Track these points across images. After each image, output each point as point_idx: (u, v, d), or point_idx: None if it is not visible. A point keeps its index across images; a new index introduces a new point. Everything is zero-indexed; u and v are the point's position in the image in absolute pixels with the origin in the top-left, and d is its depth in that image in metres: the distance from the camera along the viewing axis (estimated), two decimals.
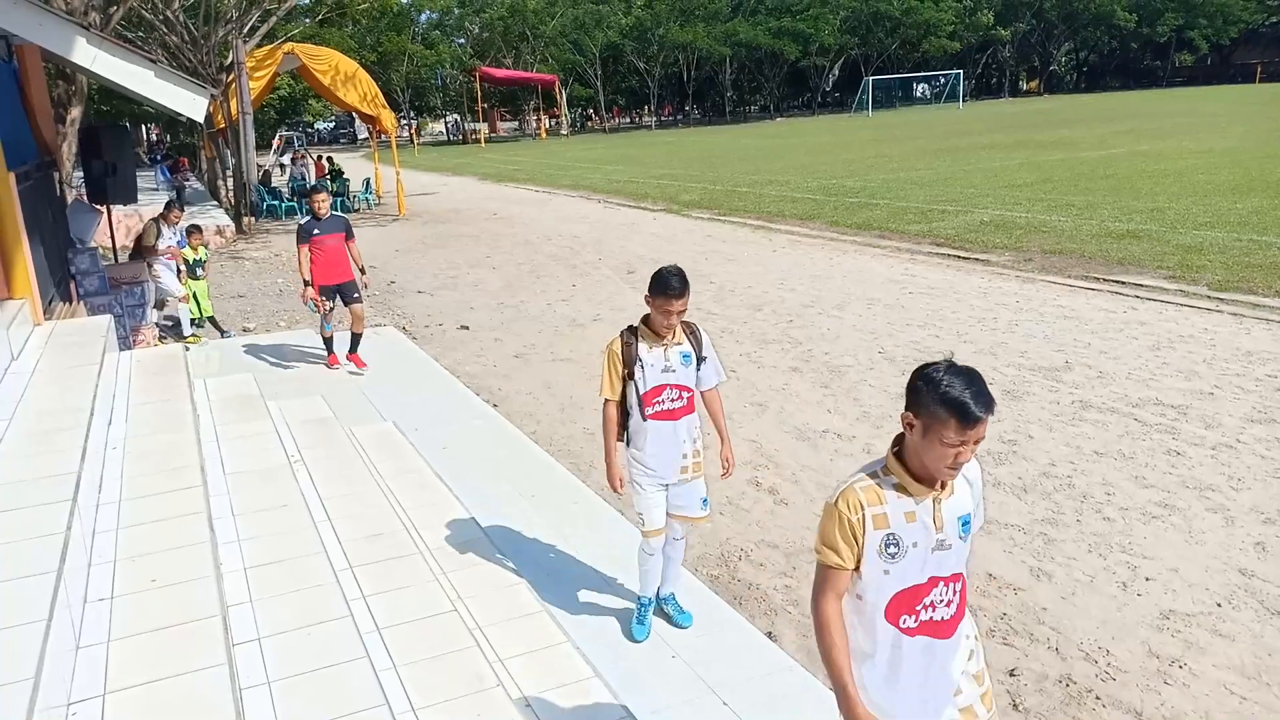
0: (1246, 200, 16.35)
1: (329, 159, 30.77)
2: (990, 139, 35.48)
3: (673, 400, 4.01)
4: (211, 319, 11.00)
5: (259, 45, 23.45)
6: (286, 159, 37.97)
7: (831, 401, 7.84)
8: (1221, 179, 19.42)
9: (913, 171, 25.59)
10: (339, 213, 11.55)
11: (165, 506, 5.08)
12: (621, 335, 4.02)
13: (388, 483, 5.76)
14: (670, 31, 73.99)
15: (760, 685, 3.80)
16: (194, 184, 32.74)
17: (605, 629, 4.24)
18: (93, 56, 7.41)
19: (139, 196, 11.40)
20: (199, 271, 10.76)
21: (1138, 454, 6.38)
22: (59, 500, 4.04)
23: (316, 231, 8.50)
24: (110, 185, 9.82)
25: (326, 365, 8.98)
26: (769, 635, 4.37)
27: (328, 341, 9.09)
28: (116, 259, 11.64)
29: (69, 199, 11.36)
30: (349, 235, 8.72)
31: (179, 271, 10.71)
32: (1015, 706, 3.90)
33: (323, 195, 8.68)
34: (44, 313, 7.27)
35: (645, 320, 3.97)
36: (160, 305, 10.79)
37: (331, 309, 8.89)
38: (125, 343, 8.78)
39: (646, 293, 3.87)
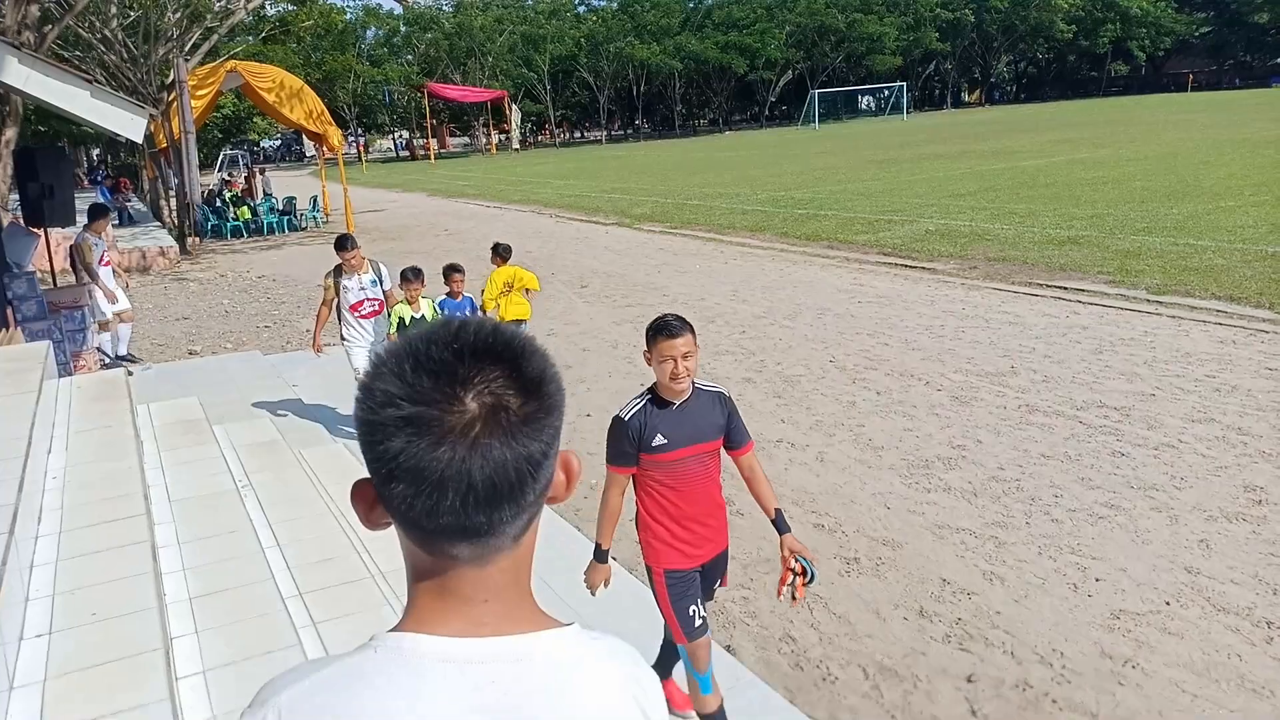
0: (1182, 205, 16.80)
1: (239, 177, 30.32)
2: (934, 149, 36.10)
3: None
4: None
5: (201, 63, 23.11)
6: (229, 174, 37.40)
7: (785, 411, 7.88)
8: (1157, 185, 19.94)
9: (859, 183, 25.94)
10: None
11: (106, 537, 4.93)
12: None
13: (339, 506, 5.66)
14: (627, 46, 74.28)
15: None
16: (136, 205, 32.09)
17: None
18: (25, 77, 7.23)
19: (78, 219, 11.07)
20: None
21: (1083, 456, 6.49)
22: None
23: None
24: (47, 208, 9.58)
25: None
26: (727, 648, 4.36)
27: None
28: (55, 283, 11.34)
29: (4, 222, 11.06)
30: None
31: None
32: (974, 713, 3.93)
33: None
34: None
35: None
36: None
37: None
38: (65, 369, 8.55)
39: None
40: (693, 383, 3.31)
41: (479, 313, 7.88)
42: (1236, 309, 9.99)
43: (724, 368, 9.31)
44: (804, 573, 3.34)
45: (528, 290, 8.49)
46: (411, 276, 7.20)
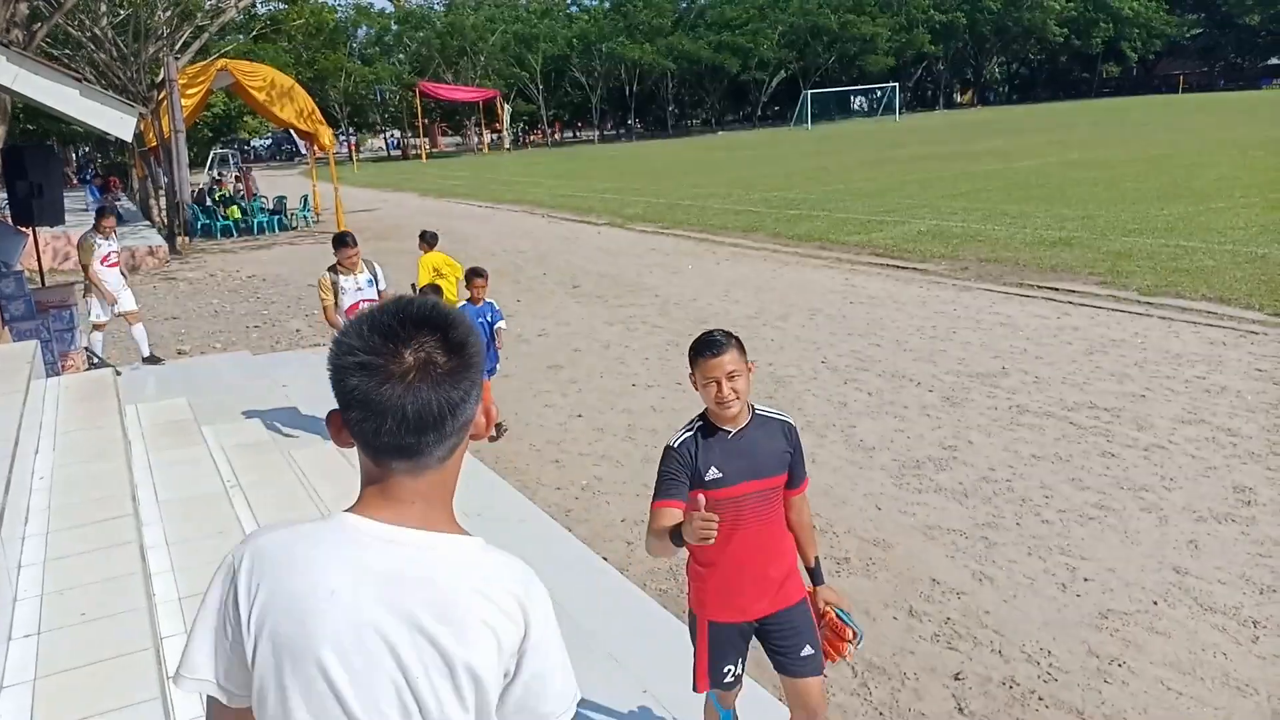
0: (1172, 206, 16.87)
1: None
2: (926, 150, 36.18)
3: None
4: None
5: (191, 62, 23.04)
6: (219, 174, 37.26)
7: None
8: (1148, 186, 20.02)
9: (852, 183, 25.98)
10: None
11: (95, 537, 4.92)
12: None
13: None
14: (618, 47, 74.27)
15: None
16: (126, 204, 31.97)
17: None
18: (13, 75, 7.20)
19: (67, 218, 11.03)
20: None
21: (1074, 457, 6.51)
22: None
23: None
24: (36, 207, 9.52)
25: None
26: None
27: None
28: (44, 282, 11.29)
29: None
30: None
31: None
32: (961, 710, 3.94)
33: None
34: None
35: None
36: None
37: None
38: (53, 369, 8.51)
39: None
40: (751, 408, 2.92)
41: (499, 317, 7.75)
42: (1226, 310, 10.04)
43: None
44: (852, 636, 3.05)
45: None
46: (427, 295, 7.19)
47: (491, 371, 7.71)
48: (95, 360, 10.09)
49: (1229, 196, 17.57)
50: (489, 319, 7.66)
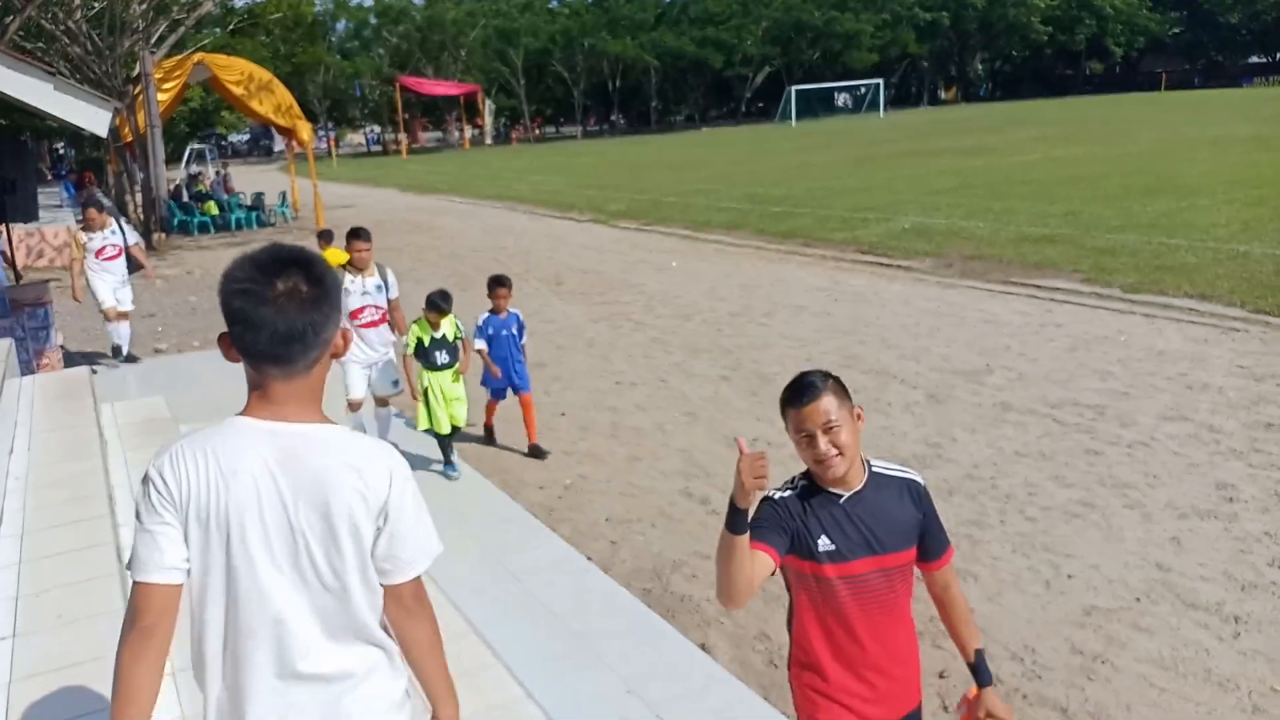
0: (1156, 203, 16.97)
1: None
2: (910, 147, 36.28)
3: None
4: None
5: (167, 56, 22.80)
6: (196, 169, 36.89)
7: (760, 409, 7.87)
8: (1131, 183, 20.13)
9: (836, 180, 26.01)
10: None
11: (71, 538, 4.84)
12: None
13: None
14: (600, 42, 74.11)
15: (697, 699, 3.76)
16: (101, 200, 31.61)
17: (538, 650, 4.16)
18: None
19: (41, 214, 10.86)
20: (439, 356, 6.51)
21: (1057, 454, 6.53)
22: None
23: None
24: (9, 203, 9.40)
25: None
26: (703, 647, 4.34)
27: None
28: (18, 279, 11.15)
29: None
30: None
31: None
32: (945, 708, 3.94)
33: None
34: None
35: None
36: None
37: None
38: (28, 367, 8.40)
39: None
40: (867, 464, 2.38)
41: (524, 329, 7.13)
42: (1209, 307, 10.10)
43: (701, 365, 9.29)
44: None
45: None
46: (439, 301, 6.48)
47: (521, 388, 7.12)
48: (127, 357, 10.00)
49: (1211, 194, 17.68)
50: (515, 331, 7.04)
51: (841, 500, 2.31)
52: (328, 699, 1.77)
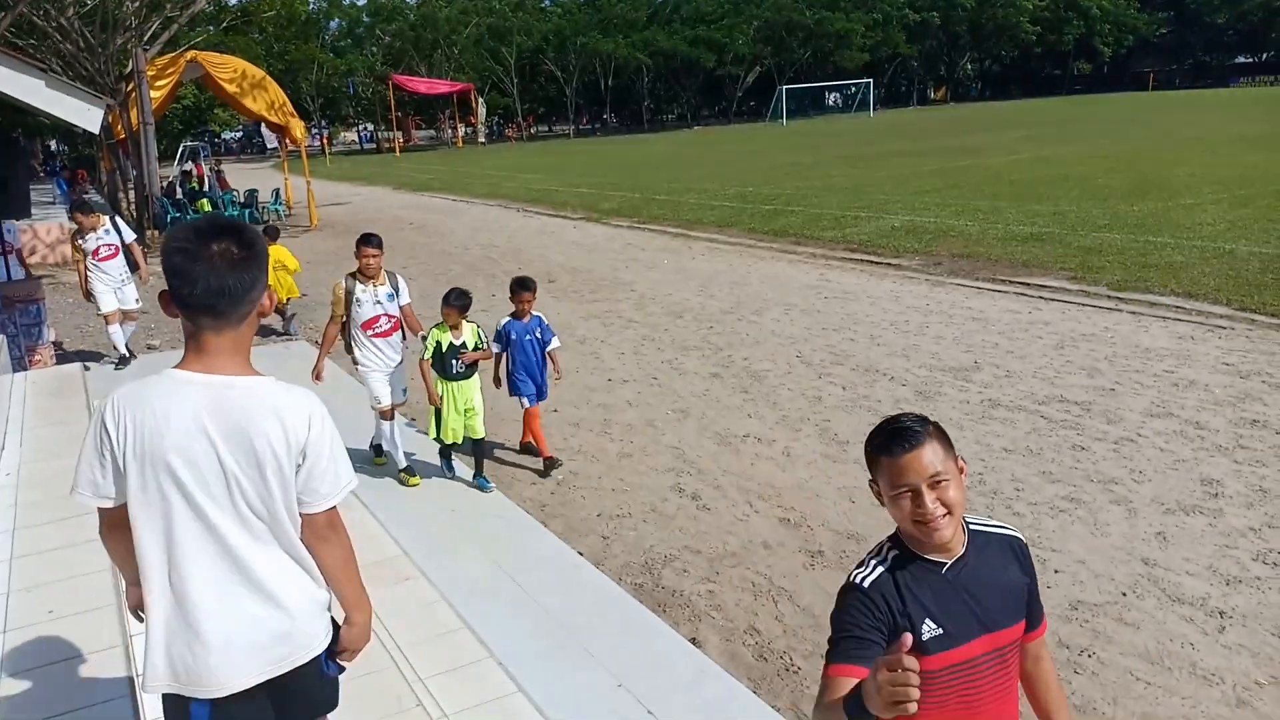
0: (1142, 203, 17.07)
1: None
2: (900, 146, 36.38)
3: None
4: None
5: (161, 53, 22.71)
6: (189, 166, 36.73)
7: (751, 406, 7.91)
8: (1118, 183, 20.24)
9: (826, 179, 26.08)
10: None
11: (62, 534, 4.86)
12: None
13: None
14: (591, 40, 74.08)
15: (686, 693, 3.79)
16: (94, 197, 31.51)
17: (530, 644, 4.18)
18: None
19: (33, 210, 10.82)
20: (455, 365, 6.01)
21: (1044, 450, 6.58)
22: None
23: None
24: (1, 200, 9.37)
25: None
26: (693, 641, 4.37)
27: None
28: (9, 276, 11.12)
29: None
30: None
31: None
32: None
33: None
34: None
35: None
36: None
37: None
38: (20, 364, 8.39)
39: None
40: (964, 524, 1.99)
41: (551, 335, 6.78)
42: (1195, 305, 10.18)
43: (691, 363, 9.33)
44: None
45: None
46: (454, 301, 6.03)
47: (539, 396, 6.80)
48: (127, 355, 9.78)
49: (1198, 193, 17.80)
50: (539, 336, 6.70)
51: (944, 570, 1.93)
52: (266, 603, 2.10)
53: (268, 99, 23.67)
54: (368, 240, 6.06)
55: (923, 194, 20.89)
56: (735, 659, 4.36)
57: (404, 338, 6.36)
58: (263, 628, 2.10)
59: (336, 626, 2.29)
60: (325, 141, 73.19)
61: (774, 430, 7.33)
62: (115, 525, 2.11)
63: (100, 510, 2.11)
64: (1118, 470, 6.17)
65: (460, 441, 6.12)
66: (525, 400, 6.75)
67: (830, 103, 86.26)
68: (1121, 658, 4.20)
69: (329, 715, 2.39)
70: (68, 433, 5.99)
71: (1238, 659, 4.14)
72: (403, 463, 6.22)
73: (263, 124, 30.01)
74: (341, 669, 2.35)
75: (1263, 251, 12.26)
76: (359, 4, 78.67)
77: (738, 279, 13.59)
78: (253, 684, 2.11)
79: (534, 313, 6.72)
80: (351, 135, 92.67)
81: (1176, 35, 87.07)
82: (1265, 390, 7.51)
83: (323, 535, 2.16)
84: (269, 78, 24.52)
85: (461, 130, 74.74)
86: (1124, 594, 4.69)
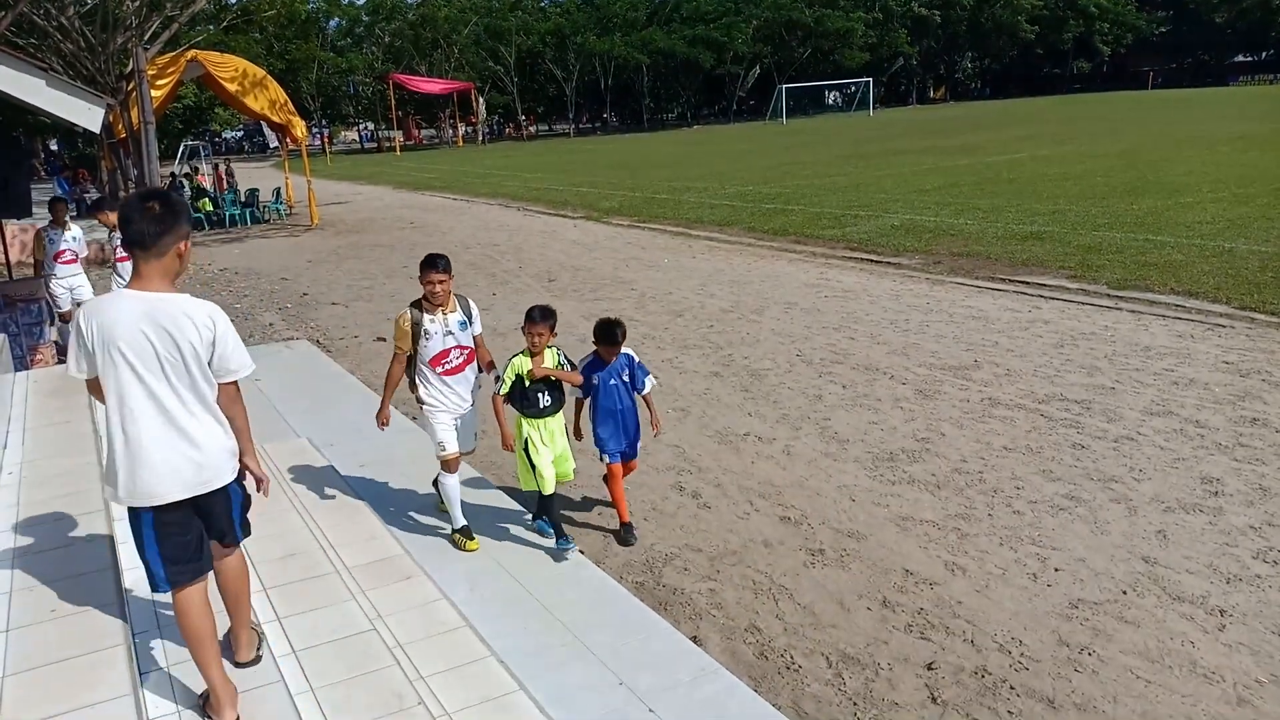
0: (1141, 201, 17.08)
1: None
2: (900, 145, 36.38)
3: None
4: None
5: (161, 52, 22.70)
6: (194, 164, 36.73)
7: (751, 405, 7.92)
8: (1118, 181, 20.25)
9: (826, 178, 26.08)
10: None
11: (65, 533, 4.87)
12: None
13: (302, 501, 5.61)
14: (588, 41, 74.08)
15: (687, 691, 3.80)
16: (95, 196, 31.51)
17: (531, 642, 4.19)
18: None
19: (34, 210, 10.82)
20: (542, 399, 5.17)
21: (1044, 448, 6.59)
22: None
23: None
24: (2, 200, 9.38)
25: None
26: (694, 640, 4.38)
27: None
28: (10, 276, 11.13)
29: None
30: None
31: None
32: (934, 699, 3.98)
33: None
34: None
35: None
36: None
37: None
38: (21, 363, 8.40)
39: None
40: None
41: (646, 374, 5.51)
42: (1194, 303, 10.19)
43: (692, 361, 9.34)
44: None
45: None
46: (539, 319, 5.05)
47: (627, 455, 5.58)
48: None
49: (1197, 191, 17.81)
50: (625, 379, 5.45)
51: None
52: (190, 445, 3.20)
53: (268, 98, 23.68)
54: (433, 264, 4.91)
55: (923, 193, 20.89)
56: (736, 657, 4.37)
57: (480, 370, 5.31)
58: (187, 460, 3.18)
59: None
60: (326, 141, 73.18)
61: (774, 429, 7.34)
62: (94, 388, 3.26)
63: (86, 381, 3.24)
64: (1118, 469, 6.18)
65: (552, 492, 5.13)
66: (606, 456, 5.50)
67: (830, 102, 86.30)
68: (1122, 656, 4.20)
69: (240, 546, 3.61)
70: (70, 431, 6.00)
71: (1238, 657, 4.15)
72: (460, 521, 5.15)
73: (264, 123, 29.98)
74: (245, 490, 3.55)
75: (1262, 250, 12.27)
76: (358, 3, 78.70)
77: (738, 278, 13.60)
78: (180, 498, 3.20)
79: (624, 350, 5.42)
80: (352, 134, 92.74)
81: (1176, 34, 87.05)
82: (1265, 388, 7.52)
83: (233, 397, 3.37)
84: (269, 77, 24.53)
85: (462, 129, 74.76)
86: (1124, 592, 4.70)
